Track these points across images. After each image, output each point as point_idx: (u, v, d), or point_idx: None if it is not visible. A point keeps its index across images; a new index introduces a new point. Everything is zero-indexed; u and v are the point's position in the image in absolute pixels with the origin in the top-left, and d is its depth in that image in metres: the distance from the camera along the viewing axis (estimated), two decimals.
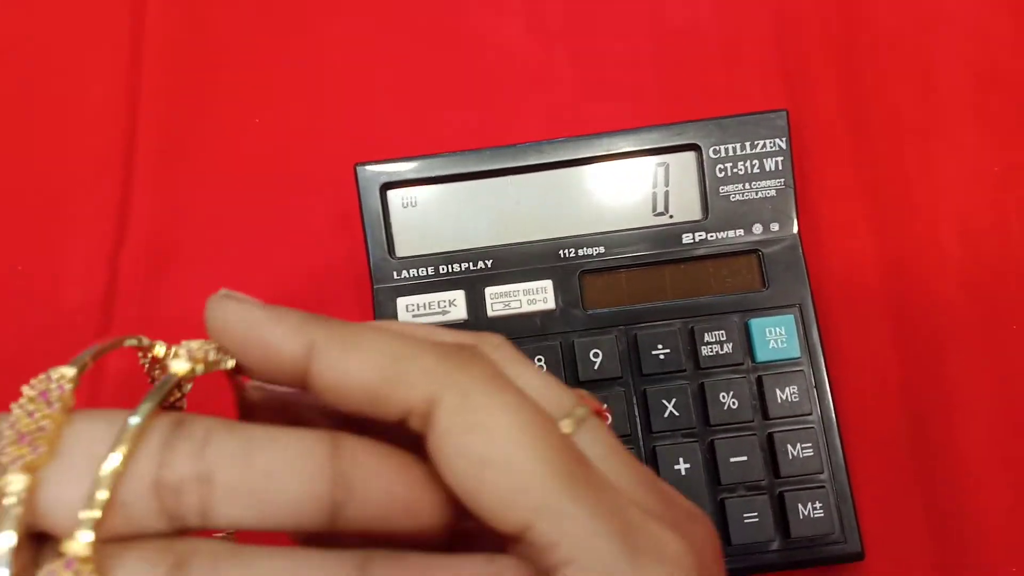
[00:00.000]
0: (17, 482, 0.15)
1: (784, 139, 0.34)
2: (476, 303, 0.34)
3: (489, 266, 0.34)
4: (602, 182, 0.34)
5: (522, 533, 0.16)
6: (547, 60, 0.39)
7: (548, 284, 0.34)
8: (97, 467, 0.15)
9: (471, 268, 0.34)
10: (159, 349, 0.19)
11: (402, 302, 0.34)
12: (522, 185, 0.34)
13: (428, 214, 0.34)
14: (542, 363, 0.33)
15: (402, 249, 0.34)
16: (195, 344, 0.18)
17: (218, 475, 0.16)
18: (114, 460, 0.15)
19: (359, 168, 0.34)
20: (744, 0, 0.39)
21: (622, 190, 0.34)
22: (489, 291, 0.34)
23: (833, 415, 0.32)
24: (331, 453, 0.16)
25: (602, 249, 0.34)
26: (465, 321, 0.34)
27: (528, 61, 0.39)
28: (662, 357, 0.33)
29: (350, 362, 0.17)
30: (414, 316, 0.34)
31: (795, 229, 0.34)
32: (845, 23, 0.39)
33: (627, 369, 0.33)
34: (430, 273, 0.34)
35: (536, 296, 0.34)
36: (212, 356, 0.18)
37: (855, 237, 0.36)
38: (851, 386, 0.34)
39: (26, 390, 0.16)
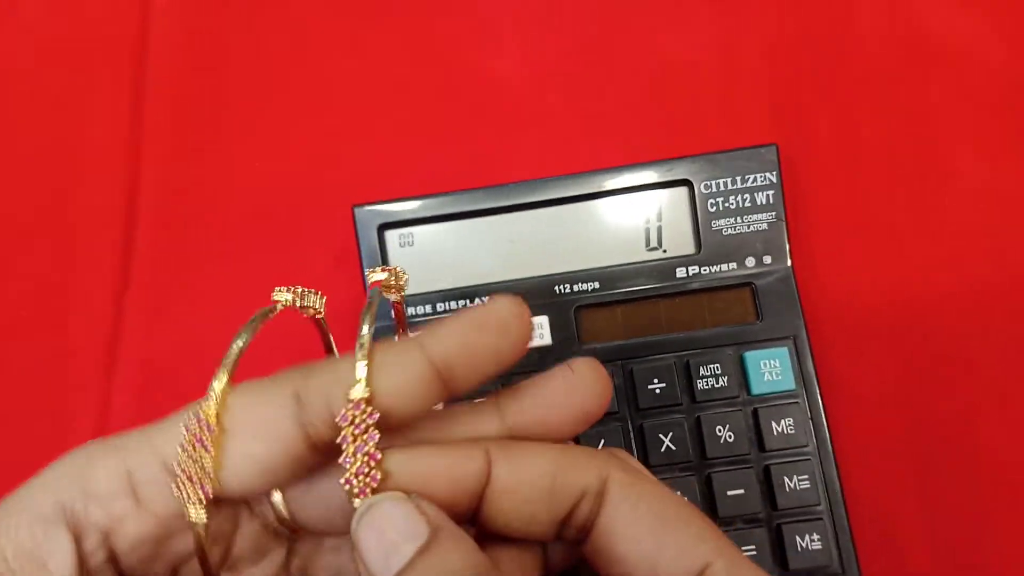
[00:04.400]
0: (198, 516, 0.19)
1: (774, 173, 0.34)
2: None
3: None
4: (596, 218, 0.35)
5: (701, 570, 0.20)
6: (542, 98, 0.40)
7: (544, 320, 0.34)
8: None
9: (468, 305, 0.35)
10: (310, 298, 0.24)
11: None
12: (517, 223, 0.35)
13: (425, 252, 0.35)
14: None
15: None
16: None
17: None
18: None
19: (356, 209, 0.35)
20: (737, 36, 0.40)
21: (616, 226, 0.35)
22: None
23: (829, 446, 0.32)
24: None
25: (597, 284, 0.35)
26: None
27: (524, 99, 0.40)
28: (658, 391, 0.33)
29: (528, 458, 0.20)
30: None
31: (788, 262, 0.34)
32: (836, 57, 0.39)
33: (624, 404, 0.33)
34: (428, 311, 0.35)
35: (533, 332, 0.34)
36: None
37: (849, 268, 0.37)
38: (848, 417, 0.35)
39: (184, 432, 0.20)
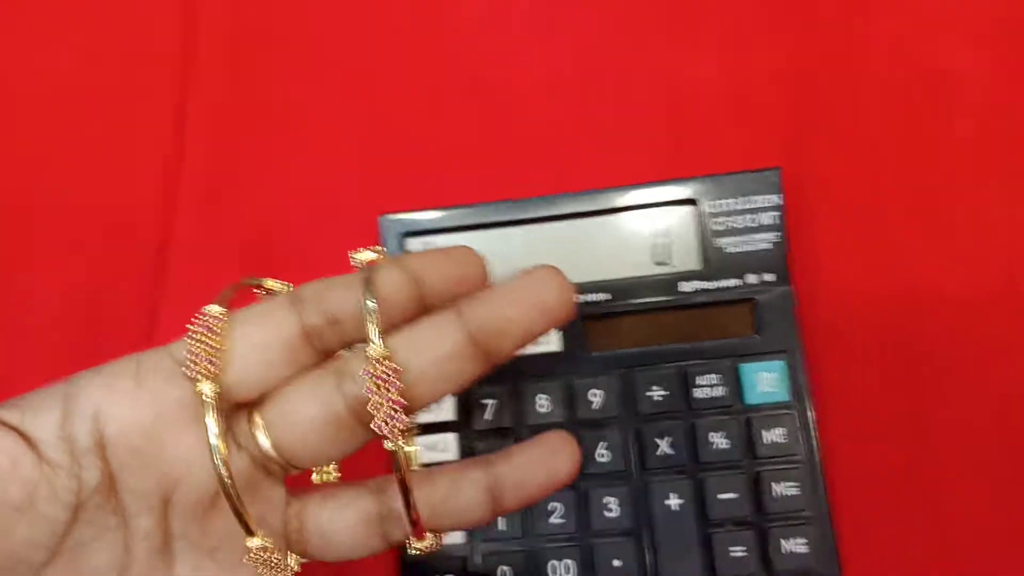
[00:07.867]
0: (208, 389, 0.22)
1: (778, 195, 0.36)
2: None
3: None
4: (607, 233, 0.37)
5: None
6: (560, 117, 0.42)
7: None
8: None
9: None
10: (271, 284, 0.26)
11: None
12: (532, 235, 0.37)
13: None
14: (545, 402, 0.36)
15: None
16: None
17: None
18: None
19: (382, 218, 0.37)
20: (749, 62, 0.41)
21: (625, 241, 0.37)
22: None
23: (818, 456, 0.34)
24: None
25: (607, 296, 0.37)
26: None
27: (542, 118, 0.42)
28: (657, 398, 0.35)
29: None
30: None
31: (788, 280, 0.36)
32: (845, 85, 0.41)
33: (624, 409, 0.35)
34: None
35: (543, 338, 0.37)
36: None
37: (848, 288, 0.38)
38: (839, 428, 0.36)
39: (191, 327, 0.23)
